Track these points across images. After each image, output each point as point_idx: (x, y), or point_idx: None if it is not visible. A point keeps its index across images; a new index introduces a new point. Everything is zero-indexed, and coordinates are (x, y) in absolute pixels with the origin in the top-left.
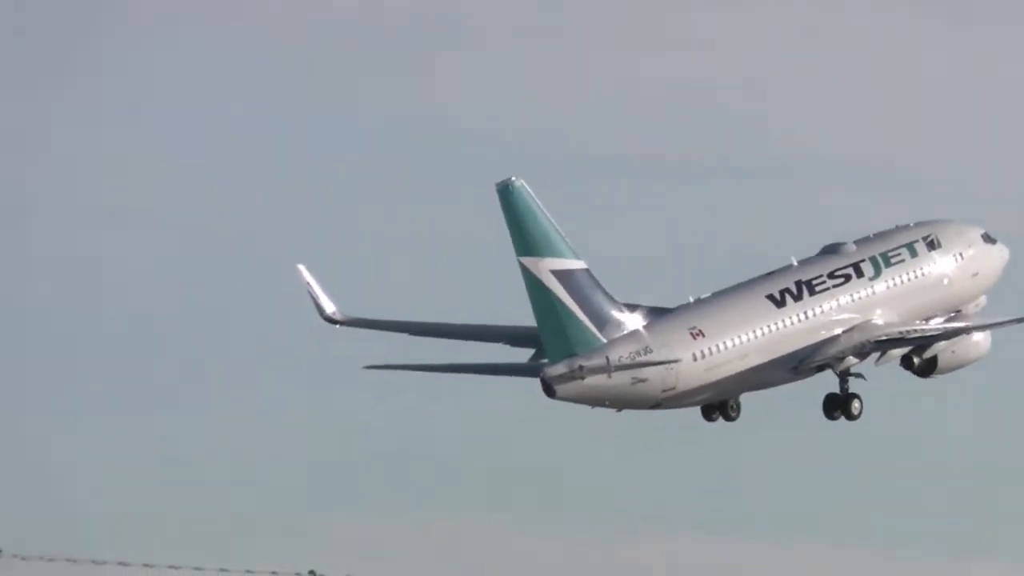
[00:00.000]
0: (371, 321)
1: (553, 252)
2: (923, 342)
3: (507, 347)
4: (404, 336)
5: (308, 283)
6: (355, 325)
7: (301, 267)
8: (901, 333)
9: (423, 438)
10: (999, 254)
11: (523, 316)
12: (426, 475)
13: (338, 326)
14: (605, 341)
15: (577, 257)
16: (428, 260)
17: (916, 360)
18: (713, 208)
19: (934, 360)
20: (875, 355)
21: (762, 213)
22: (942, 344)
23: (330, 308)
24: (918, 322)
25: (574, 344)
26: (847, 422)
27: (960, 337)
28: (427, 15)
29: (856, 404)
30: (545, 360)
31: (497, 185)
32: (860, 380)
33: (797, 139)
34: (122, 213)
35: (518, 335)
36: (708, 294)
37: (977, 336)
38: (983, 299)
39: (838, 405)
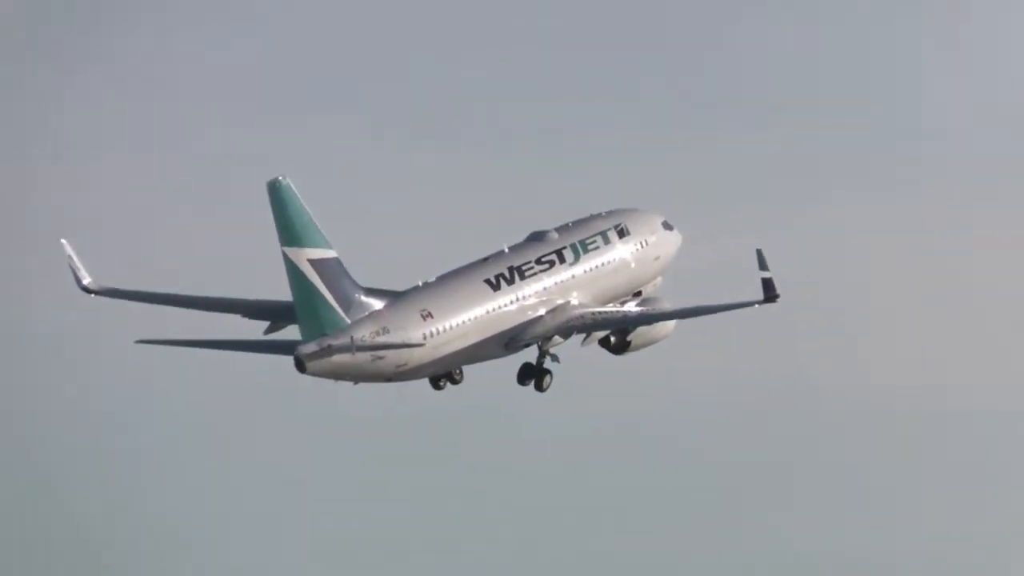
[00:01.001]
0: (123, 291)
1: (311, 243)
2: (623, 325)
3: (241, 318)
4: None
5: (69, 255)
6: (109, 295)
7: (64, 241)
8: (605, 316)
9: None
10: (675, 240)
11: (262, 292)
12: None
13: (93, 295)
14: (349, 322)
15: (330, 247)
16: (192, 241)
17: (613, 340)
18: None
19: (628, 340)
20: (579, 336)
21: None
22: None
23: (87, 279)
24: (611, 304)
25: (324, 325)
26: (536, 392)
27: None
28: None
29: (547, 379)
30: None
31: (267, 182)
32: (558, 359)
33: None
34: None
35: (252, 308)
36: (433, 279)
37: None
38: (659, 279)
39: (532, 375)
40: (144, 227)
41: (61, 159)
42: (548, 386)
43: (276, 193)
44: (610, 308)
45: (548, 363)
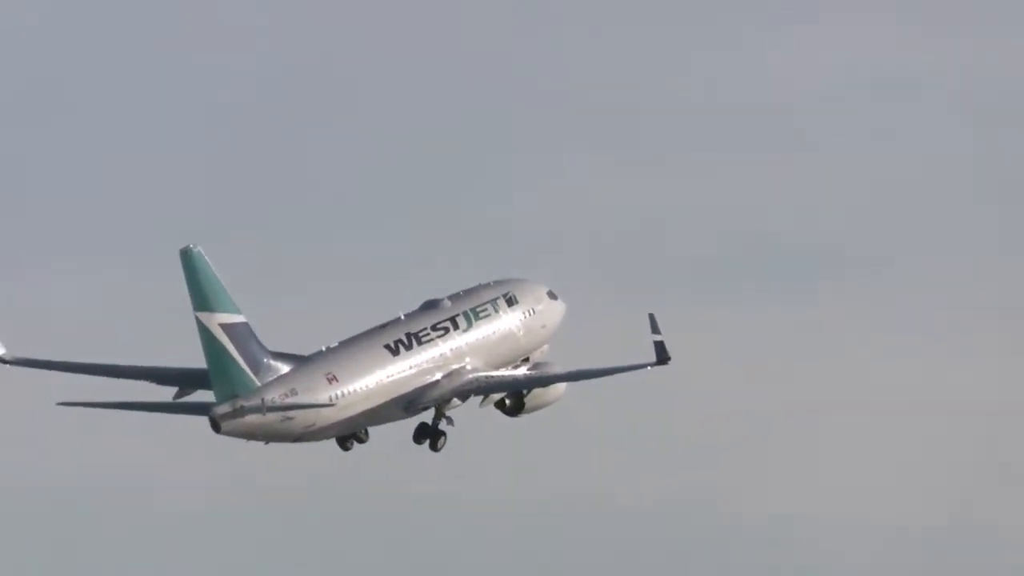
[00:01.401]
0: (37, 361)
1: (222, 308)
2: (518, 387)
3: (153, 384)
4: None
5: None
6: (23, 365)
7: None
8: (501, 380)
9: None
10: (560, 308)
11: (167, 359)
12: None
13: (8, 365)
14: (260, 384)
15: (239, 312)
16: (103, 307)
17: (508, 402)
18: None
19: (522, 402)
20: (476, 398)
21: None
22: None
23: (1, 350)
24: (502, 369)
25: (236, 387)
26: (430, 451)
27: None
28: None
29: (441, 440)
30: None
31: (180, 249)
32: (453, 422)
33: None
34: None
35: (161, 375)
36: (336, 343)
37: (558, 384)
38: (546, 347)
39: (427, 435)
40: (55, 294)
41: None
42: (442, 446)
43: (188, 261)
44: (505, 372)
45: (443, 425)
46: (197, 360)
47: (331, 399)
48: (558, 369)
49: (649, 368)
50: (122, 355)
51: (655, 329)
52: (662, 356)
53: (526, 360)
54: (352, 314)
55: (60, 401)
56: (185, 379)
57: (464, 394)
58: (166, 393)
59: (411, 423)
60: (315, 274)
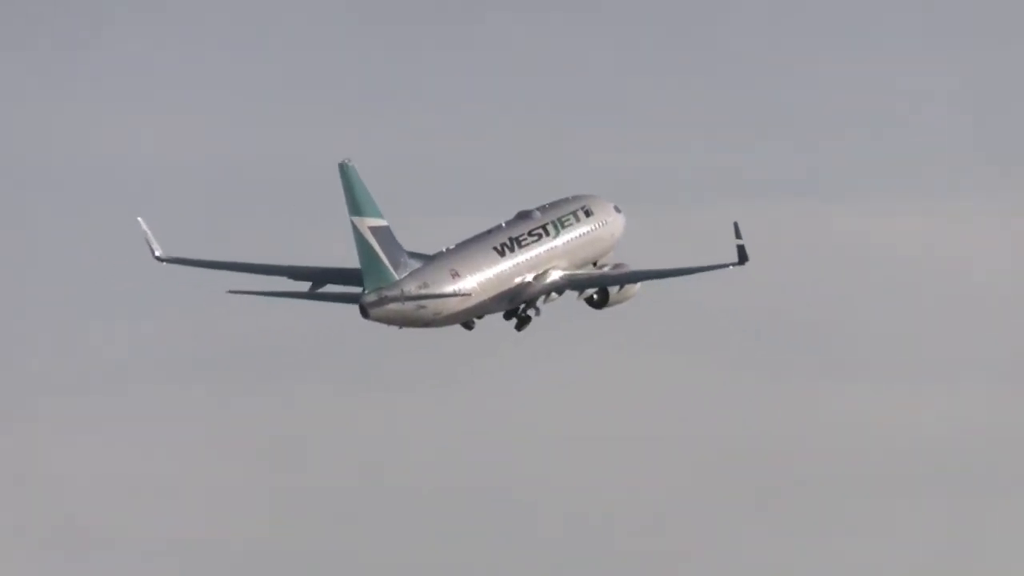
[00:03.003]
0: (190, 260)
1: (371, 214)
2: (609, 283)
3: (287, 281)
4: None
5: (145, 231)
6: (178, 263)
7: (140, 219)
8: (596, 276)
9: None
10: (623, 221)
11: (304, 258)
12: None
13: (164, 263)
14: (399, 278)
15: (383, 218)
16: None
17: (596, 297)
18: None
19: (607, 298)
20: (569, 292)
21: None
22: (615, 287)
23: (159, 251)
24: (587, 268)
25: (381, 280)
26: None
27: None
28: None
29: (527, 325)
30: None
31: (338, 164)
32: (541, 310)
33: None
34: None
35: (297, 272)
36: (453, 245)
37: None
38: (613, 253)
39: (516, 318)
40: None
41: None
42: (524, 329)
43: (344, 173)
44: (595, 271)
45: (532, 313)
46: (331, 261)
47: (455, 291)
48: (637, 270)
49: (731, 267)
50: (263, 255)
51: (738, 235)
52: (743, 258)
53: (594, 264)
54: (459, 222)
55: (230, 289)
56: (316, 276)
57: (560, 289)
58: (301, 287)
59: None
60: (430, 186)
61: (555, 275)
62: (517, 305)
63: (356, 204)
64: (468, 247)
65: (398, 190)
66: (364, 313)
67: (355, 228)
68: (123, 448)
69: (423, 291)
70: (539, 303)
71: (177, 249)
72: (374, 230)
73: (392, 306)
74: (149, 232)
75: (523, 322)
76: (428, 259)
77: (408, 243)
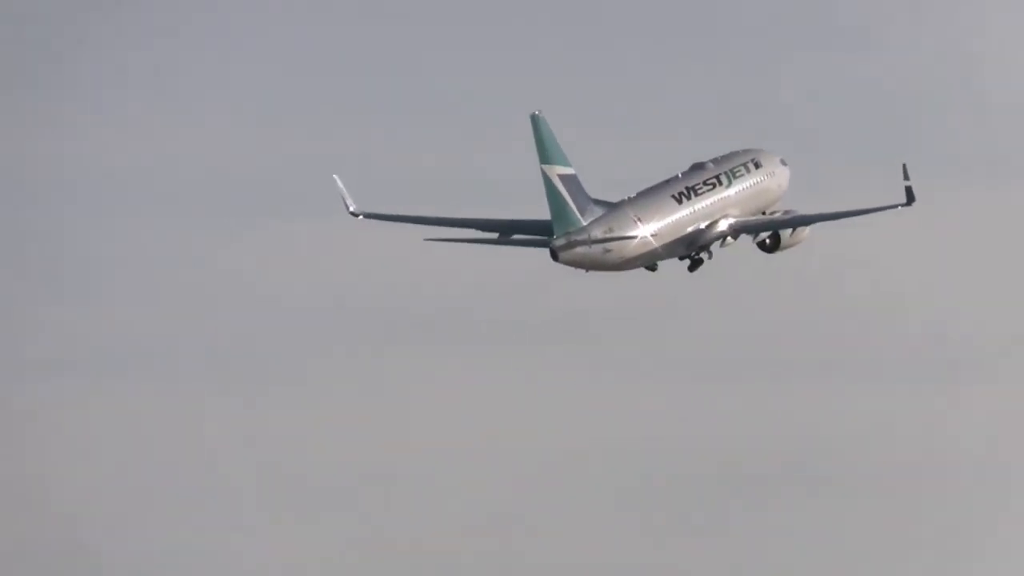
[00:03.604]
0: (382, 215)
1: (560, 162)
2: (781, 227)
3: (477, 232)
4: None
5: (340, 188)
6: (372, 217)
7: (335, 176)
8: (768, 221)
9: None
10: (788, 173)
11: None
12: None
13: (360, 217)
14: (585, 224)
15: (571, 166)
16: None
17: (768, 241)
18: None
19: (779, 242)
20: (746, 236)
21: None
22: (786, 230)
23: (353, 206)
24: (758, 215)
25: (569, 225)
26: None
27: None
28: None
29: (699, 267)
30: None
31: (530, 115)
32: (713, 255)
33: None
34: None
35: (484, 224)
36: (634, 194)
37: (804, 227)
38: (779, 203)
39: (690, 260)
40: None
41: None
42: (696, 270)
43: (536, 124)
44: (765, 217)
45: (705, 256)
46: (519, 213)
47: (637, 236)
48: (803, 214)
49: (899, 208)
50: (453, 209)
51: (906, 176)
52: (910, 199)
53: (763, 213)
54: (636, 172)
55: (427, 237)
56: (502, 227)
57: (735, 233)
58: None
59: None
60: (610, 139)
61: (729, 221)
62: (694, 250)
63: (546, 153)
64: (648, 195)
65: (579, 141)
66: (554, 256)
67: (545, 176)
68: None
69: (609, 235)
70: (713, 248)
71: (369, 205)
72: (563, 178)
73: (580, 249)
74: (344, 188)
75: (696, 264)
76: (612, 206)
77: (591, 191)
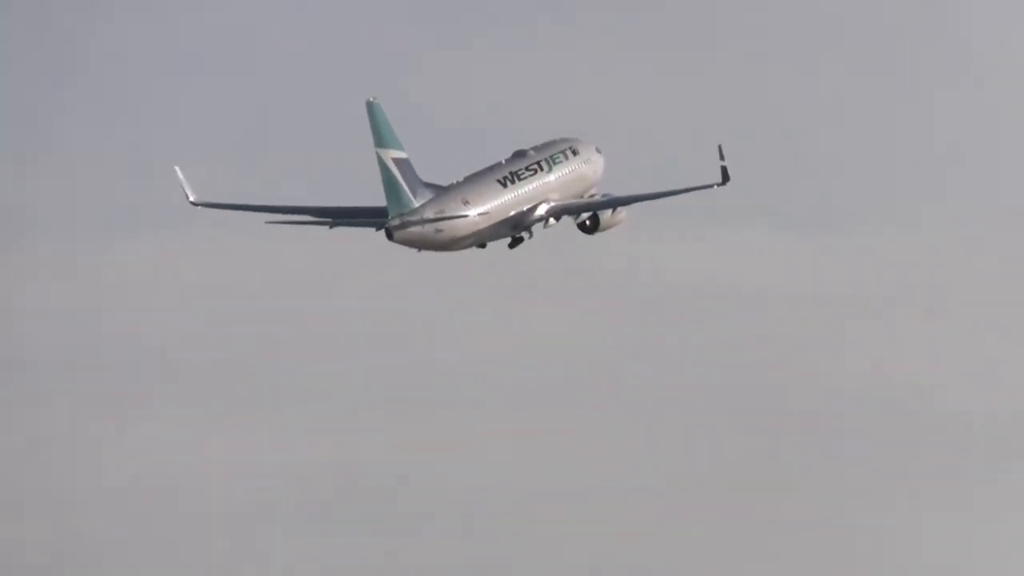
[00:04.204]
0: (221, 204)
1: (393, 146)
2: (600, 208)
3: (310, 217)
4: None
5: (180, 178)
6: (211, 207)
7: (176, 167)
8: (586, 203)
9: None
10: (602, 160)
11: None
12: None
13: (199, 207)
14: (417, 205)
15: (404, 150)
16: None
17: (588, 223)
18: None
19: (598, 223)
20: (565, 218)
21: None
22: (606, 212)
23: (192, 196)
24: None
25: (402, 206)
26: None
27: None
28: None
29: (519, 244)
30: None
31: (365, 102)
32: (533, 235)
33: None
34: None
35: (317, 211)
36: (462, 179)
37: (622, 209)
38: (595, 188)
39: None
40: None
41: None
42: (515, 247)
43: (371, 110)
44: (584, 200)
45: (525, 236)
46: (350, 200)
47: (469, 215)
48: (623, 195)
49: (715, 187)
50: (287, 198)
51: (721, 156)
52: (726, 178)
53: (583, 196)
54: (463, 158)
55: (268, 220)
56: (334, 214)
57: (557, 215)
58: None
59: None
60: (434, 127)
61: (550, 204)
62: (519, 231)
63: (381, 137)
64: (475, 180)
65: (410, 128)
66: (389, 236)
67: (380, 159)
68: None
69: (440, 216)
70: (536, 229)
71: (208, 194)
72: (396, 161)
73: (414, 229)
74: (184, 179)
75: (516, 242)
76: (442, 189)
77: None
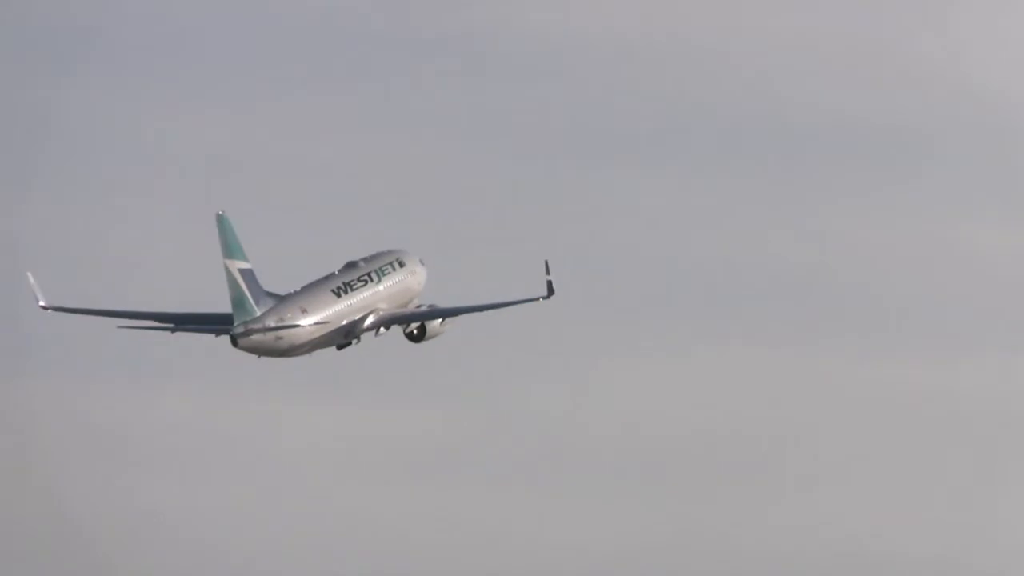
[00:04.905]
0: (71, 308)
1: (239, 257)
2: (430, 318)
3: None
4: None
5: (32, 283)
6: (62, 311)
7: (28, 273)
8: (415, 313)
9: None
10: (425, 272)
11: (169, 305)
12: None
13: (50, 311)
14: (259, 313)
15: (248, 261)
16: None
17: (415, 332)
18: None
19: (425, 332)
20: (394, 327)
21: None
22: (434, 322)
23: (43, 300)
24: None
25: (246, 314)
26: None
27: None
28: None
29: (347, 348)
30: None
31: (215, 214)
32: (361, 339)
33: None
34: None
35: (160, 317)
36: (299, 288)
37: (446, 320)
38: (418, 299)
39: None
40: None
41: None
42: (342, 349)
43: (220, 222)
44: (414, 310)
45: (353, 342)
46: (189, 307)
47: (310, 323)
48: (451, 307)
49: (541, 300)
50: (132, 303)
51: (548, 271)
52: (551, 292)
53: (407, 306)
54: (295, 268)
55: (120, 325)
56: (176, 319)
57: (387, 324)
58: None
59: None
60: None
61: (380, 314)
62: (351, 338)
63: (229, 248)
64: (311, 289)
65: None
66: (234, 343)
67: (227, 269)
68: None
69: (280, 324)
70: (364, 336)
71: (59, 299)
72: (242, 271)
73: (256, 336)
74: (35, 284)
75: (343, 346)
76: (281, 298)
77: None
